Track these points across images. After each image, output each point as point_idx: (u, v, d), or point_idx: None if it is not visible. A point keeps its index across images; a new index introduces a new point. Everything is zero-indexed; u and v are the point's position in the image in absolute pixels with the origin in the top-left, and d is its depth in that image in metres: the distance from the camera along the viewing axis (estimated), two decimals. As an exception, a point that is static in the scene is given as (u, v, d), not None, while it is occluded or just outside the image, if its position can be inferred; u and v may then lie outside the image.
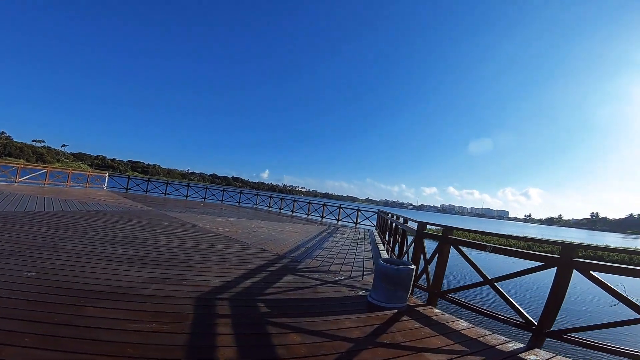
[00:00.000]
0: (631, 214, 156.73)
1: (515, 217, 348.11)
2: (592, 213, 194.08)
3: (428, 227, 5.23)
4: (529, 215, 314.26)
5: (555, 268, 3.30)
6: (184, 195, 22.73)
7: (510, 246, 5.06)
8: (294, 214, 20.84)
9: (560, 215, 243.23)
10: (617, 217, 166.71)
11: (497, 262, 14.05)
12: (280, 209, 21.97)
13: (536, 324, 3.42)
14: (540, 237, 4.82)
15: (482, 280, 3.99)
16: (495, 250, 3.93)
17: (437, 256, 4.63)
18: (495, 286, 3.83)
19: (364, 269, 6.21)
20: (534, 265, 3.57)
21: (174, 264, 5.00)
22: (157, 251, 5.64)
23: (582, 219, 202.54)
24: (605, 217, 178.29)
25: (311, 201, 20.27)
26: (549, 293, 3.36)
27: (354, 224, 17.36)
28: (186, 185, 23.31)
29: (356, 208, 17.73)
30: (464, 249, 4.32)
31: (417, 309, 4.21)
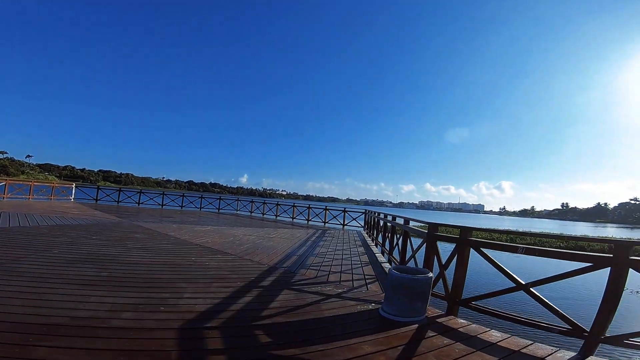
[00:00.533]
0: (598, 203, 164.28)
1: (491, 210, 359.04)
2: (563, 203, 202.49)
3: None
4: (504, 208, 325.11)
5: (609, 269, 2.87)
6: (159, 204, 21.55)
7: (542, 245, 4.57)
8: (278, 218, 20.12)
9: (533, 206, 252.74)
10: (586, 207, 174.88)
11: (514, 263, 13.60)
12: (263, 214, 21.17)
13: (588, 330, 2.97)
14: (581, 234, 4.40)
15: (515, 285, 3.52)
16: (529, 252, 3.45)
17: (455, 260, 4.13)
18: (532, 291, 3.37)
19: (366, 277, 5.66)
20: (580, 267, 3.12)
21: (149, 284, 4.27)
22: (130, 270, 4.88)
23: (553, 210, 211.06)
24: (575, 207, 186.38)
25: (295, 204, 19.60)
26: (603, 296, 2.92)
27: (341, 226, 16.85)
28: (161, 194, 22.11)
29: (342, 209, 17.24)
30: (486, 250, 3.85)
31: (438, 320, 3.69)
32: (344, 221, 16.91)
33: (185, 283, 4.46)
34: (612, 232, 57.59)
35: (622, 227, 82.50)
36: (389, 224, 8.72)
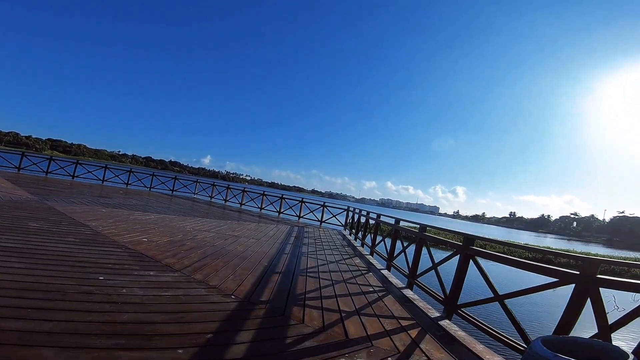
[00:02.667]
0: (542, 215, 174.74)
1: (445, 213, 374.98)
2: (510, 212, 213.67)
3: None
4: (457, 212, 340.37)
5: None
6: (100, 179, 17.97)
7: None
8: (243, 207, 17.41)
9: (484, 213, 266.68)
10: (531, 217, 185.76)
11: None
12: (225, 201, 18.33)
13: None
14: None
15: None
16: None
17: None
18: None
19: (400, 321, 3.40)
20: None
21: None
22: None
23: (502, 218, 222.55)
24: (522, 217, 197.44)
25: (265, 192, 16.97)
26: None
27: (319, 222, 14.53)
28: (103, 167, 18.49)
29: (322, 204, 14.88)
30: None
31: None
32: (322, 217, 14.58)
33: (54, 349, 1.96)
34: (549, 242, 60.58)
35: (559, 239, 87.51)
36: (401, 233, 6.58)
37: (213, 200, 18.85)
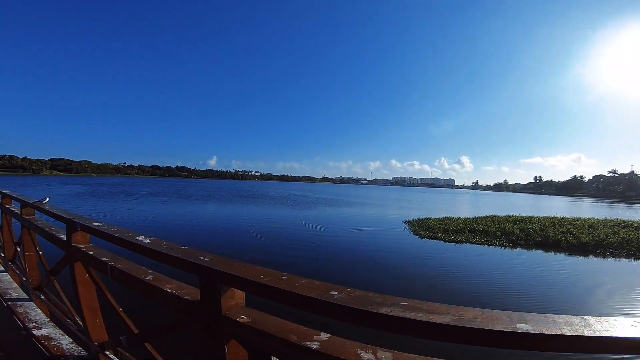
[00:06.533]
0: (574, 176, 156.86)
1: (463, 185, 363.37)
2: (536, 177, 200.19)
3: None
4: (476, 182, 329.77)
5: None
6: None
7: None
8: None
9: (506, 180, 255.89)
10: (562, 180, 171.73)
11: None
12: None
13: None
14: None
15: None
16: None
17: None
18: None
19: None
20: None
21: None
22: None
23: (528, 183, 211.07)
24: (551, 180, 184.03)
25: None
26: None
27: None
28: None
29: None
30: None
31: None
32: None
33: None
34: (586, 206, 49.77)
35: (598, 202, 72.06)
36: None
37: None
